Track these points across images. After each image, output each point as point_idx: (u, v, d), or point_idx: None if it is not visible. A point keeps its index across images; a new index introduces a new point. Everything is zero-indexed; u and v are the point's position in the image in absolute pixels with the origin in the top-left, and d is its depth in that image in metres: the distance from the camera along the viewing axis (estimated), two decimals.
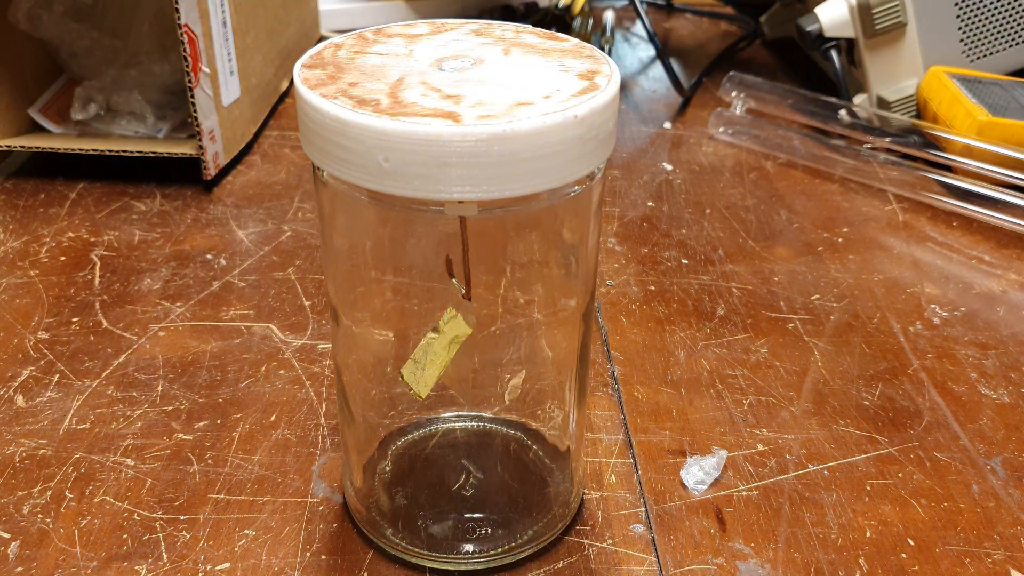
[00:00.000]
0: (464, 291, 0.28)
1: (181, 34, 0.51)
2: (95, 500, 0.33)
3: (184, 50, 0.51)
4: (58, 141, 0.56)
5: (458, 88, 0.24)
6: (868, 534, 0.32)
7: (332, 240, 0.28)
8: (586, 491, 0.34)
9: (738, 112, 0.67)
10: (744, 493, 0.34)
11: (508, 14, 0.83)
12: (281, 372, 0.40)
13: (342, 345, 0.30)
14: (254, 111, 0.62)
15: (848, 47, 0.66)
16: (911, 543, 0.32)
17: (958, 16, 0.62)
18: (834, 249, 0.51)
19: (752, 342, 0.43)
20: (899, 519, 0.33)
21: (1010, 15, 0.62)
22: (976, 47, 0.62)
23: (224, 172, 0.58)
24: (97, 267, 0.47)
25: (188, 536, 0.32)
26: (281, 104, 0.68)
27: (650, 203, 0.56)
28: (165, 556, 0.31)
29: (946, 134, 0.57)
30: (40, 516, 0.32)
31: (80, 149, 0.55)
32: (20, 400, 0.38)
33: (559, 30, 0.79)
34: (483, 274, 0.28)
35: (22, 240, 0.50)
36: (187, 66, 0.52)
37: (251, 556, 0.31)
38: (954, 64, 0.62)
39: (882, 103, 0.63)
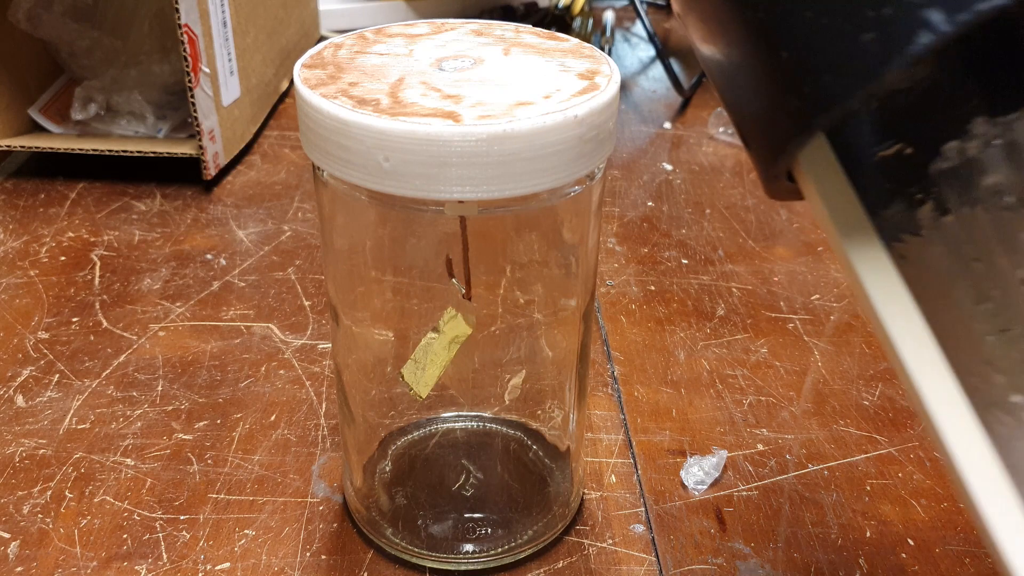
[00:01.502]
0: (464, 291, 0.28)
1: (181, 34, 0.51)
2: (95, 500, 0.33)
3: (184, 50, 0.51)
4: (58, 141, 0.56)
5: (458, 88, 0.24)
6: (868, 534, 0.32)
7: (332, 240, 0.28)
8: (586, 491, 0.34)
9: None
10: (744, 493, 0.34)
11: (508, 14, 0.83)
12: (281, 372, 0.40)
13: (342, 345, 0.30)
14: (254, 111, 0.62)
15: None
16: (911, 543, 0.32)
17: None
18: None
19: (752, 342, 0.43)
20: (899, 519, 0.33)
21: None
22: None
23: (224, 172, 0.58)
24: (97, 267, 0.47)
25: (188, 536, 0.32)
26: (281, 104, 0.68)
27: (650, 203, 0.56)
28: (165, 556, 0.31)
29: None
30: (40, 516, 0.32)
31: (80, 149, 0.55)
32: (20, 400, 0.38)
33: (559, 30, 0.79)
34: (483, 274, 0.28)
35: (22, 240, 0.50)
36: (187, 66, 0.52)
37: (251, 556, 0.31)
38: None
39: None
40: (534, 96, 0.24)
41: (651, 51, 0.83)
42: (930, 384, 0.17)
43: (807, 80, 0.15)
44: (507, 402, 0.32)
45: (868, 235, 0.17)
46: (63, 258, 0.48)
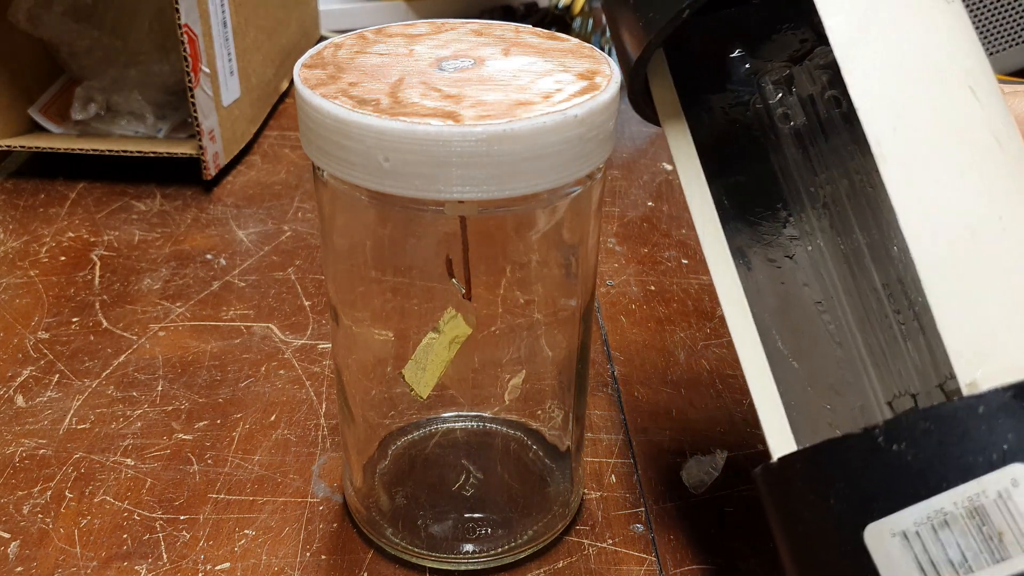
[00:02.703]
0: (464, 291, 0.28)
1: (181, 34, 0.51)
2: (95, 500, 0.33)
3: (184, 50, 0.51)
4: (58, 141, 0.56)
5: (458, 88, 0.24)
6: None
7: (332, 240, 0.28)
8: (586, 491, 0.34)
9: None
10: (744, 493, 0.34)
11: (508, 14, 0.83)
12: (281, 372, 0.40)
13: (342, 345, 0.30)
14: (254, 111, 0.62)
15: None
16: None
17: None
18: None
19: None
20: None
21: (1010, 15, 0.62)
22: None
23: (224, 172, 0.58)
24: (97, 267, 0.47)
25: (188, 536, 0.32)
26: (281, 104, 0.68)
27: (650, 203, 0.56)
28: (165, 556, 0.31)
29: None
30: (40, 516, 0.32)
31: (80, 149, 0.55)
32: (20, 400, 0.38)
33: (559, 30, 0.79)
34: (483, 274, 0.28)
35: (22, 240, 0.50)
36: (187, 66, 0.52)
37: (251, 556, 0.31)
38: None
39: None
40: (534, 96, 0.24)
41: None
42: (699, 206, 0.28)
43: (644, 20, 0.25)
44: (507, 402, 0.32)
45: (679, 112, 0.28)
46: (63, 258, 0.48)
